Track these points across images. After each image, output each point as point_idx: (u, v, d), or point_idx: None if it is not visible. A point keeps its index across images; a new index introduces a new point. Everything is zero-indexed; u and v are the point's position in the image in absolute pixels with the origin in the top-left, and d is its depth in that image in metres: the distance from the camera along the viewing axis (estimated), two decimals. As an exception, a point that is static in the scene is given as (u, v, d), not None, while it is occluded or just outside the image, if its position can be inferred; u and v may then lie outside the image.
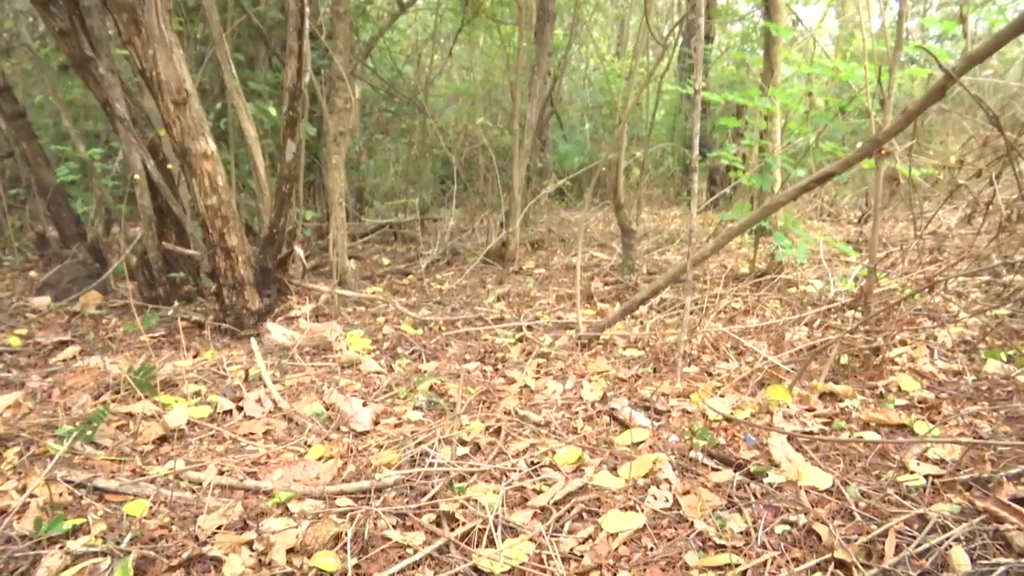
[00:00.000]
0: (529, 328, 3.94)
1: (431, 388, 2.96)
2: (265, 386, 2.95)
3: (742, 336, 3.67)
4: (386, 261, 6.99)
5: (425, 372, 3.23)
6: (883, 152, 2.89)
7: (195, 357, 3.64)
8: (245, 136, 4.35)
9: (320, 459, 2.35)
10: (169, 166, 4.16)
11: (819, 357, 3.15)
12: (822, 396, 2.81)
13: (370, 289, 5.31)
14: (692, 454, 2.29)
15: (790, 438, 2.39)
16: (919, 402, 2.70)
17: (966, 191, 4.52)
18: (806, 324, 3.74)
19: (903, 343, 3.36)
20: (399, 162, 10.24)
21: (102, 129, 7.76)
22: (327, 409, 2.77)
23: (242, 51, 7.39)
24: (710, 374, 3.17)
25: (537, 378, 3.11)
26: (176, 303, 4.41)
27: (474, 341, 3.77)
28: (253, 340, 3.30)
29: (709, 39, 12.49)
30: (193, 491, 2.14)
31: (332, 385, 3.09)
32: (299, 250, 4.16)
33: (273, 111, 6.01)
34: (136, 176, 3.92)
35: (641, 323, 3.98)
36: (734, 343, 3.51)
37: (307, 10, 3.45)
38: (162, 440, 2.52)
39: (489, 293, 4.94)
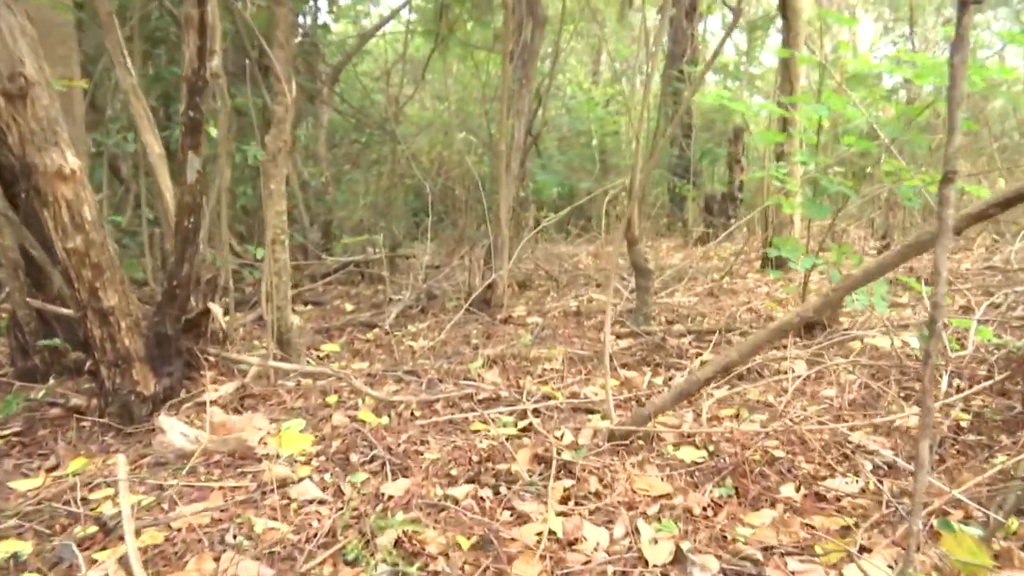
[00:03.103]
0: (536, 412, 2.85)
1: (397, 542, 1.84)
2: (125, 542, 1.81)
3: (837, 421, 2.62)
4: (349, 307, 5.85)
5: (390, 500, 2.11)
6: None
7: (51, 471, 2.48)
8: (148, 152, 3.24)
9: None
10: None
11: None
12: (1028, 547, 1.75)
13: (325, 348, 4.18)
14: None
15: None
16: None
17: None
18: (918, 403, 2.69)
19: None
20: (368, 193, 9.19)
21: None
22: (219, 596, 1.64)
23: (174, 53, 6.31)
24: (822, 498, 2.09)
25: (565, 513, 2.00)
26: (52, 379, 3.25)
27: (460, 436, 2.65)
28: (121, 457, 2.15)
29: (693, 62, 11.71)
30: None
31: (242, 530, 1.96)
32: (216, 308, 3.03)
33: (214, 131, 4.91)
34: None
35: (691, 403, 2.91)
36: (836, 439, 2.45)
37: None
38: None
39: (477, 356, 3.83)
